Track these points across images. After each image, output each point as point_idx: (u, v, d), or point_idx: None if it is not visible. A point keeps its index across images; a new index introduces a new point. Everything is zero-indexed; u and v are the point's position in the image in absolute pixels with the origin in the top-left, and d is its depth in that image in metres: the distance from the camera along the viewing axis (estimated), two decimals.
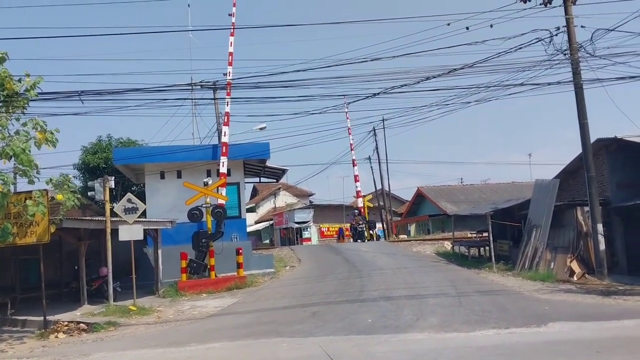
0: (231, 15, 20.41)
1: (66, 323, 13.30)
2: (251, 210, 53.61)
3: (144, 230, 16.65)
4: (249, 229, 41.24)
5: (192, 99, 19.42)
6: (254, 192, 61.28)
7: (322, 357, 8.30)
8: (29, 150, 10.81)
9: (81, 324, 13.18)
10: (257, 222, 53.72)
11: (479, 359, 7.92)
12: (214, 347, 9.69)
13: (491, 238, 19.25)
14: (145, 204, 19.51)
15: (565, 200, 18.68)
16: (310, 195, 58.15)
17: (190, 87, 17.97)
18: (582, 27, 16.91)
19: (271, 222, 50.71)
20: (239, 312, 13.92)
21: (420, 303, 13.17)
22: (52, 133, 11.82)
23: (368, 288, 15.91)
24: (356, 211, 34.84)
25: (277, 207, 54.00)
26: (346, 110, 30.94)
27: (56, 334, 12.60)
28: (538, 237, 17.83)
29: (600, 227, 16.32)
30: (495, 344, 8.84)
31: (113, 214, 15.79)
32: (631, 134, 17.14)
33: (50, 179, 12.15)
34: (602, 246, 16.28)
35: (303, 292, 16.22)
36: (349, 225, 36.71)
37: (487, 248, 20.52)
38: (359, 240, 30.41)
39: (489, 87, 18.38)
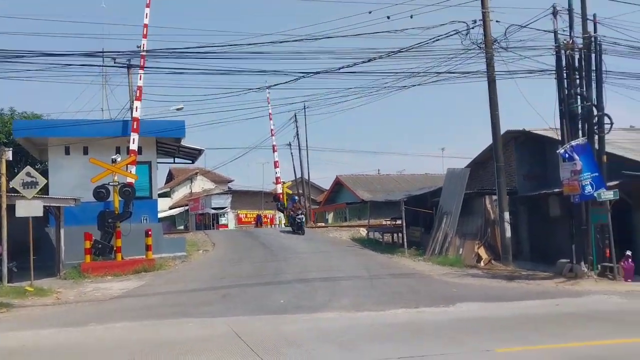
0: None
1: None
2: (166, 195, 51.89)
3: (45, 207, 15.52)
4: (162, 214, 39.84)
5: (102, 65, 18.30)
6: (170, 177, 59.38)
7: (229, 335, 8.00)
8: None
9: None
10: (171, 208, 52.11)
11: (386, 334, 7.91)
12: (114, 326, 9.14)
13: (404, 224, 19.61)
14: (48, 180, 18.29)
15: (475, 189, 19.33)
16: (229, 182, 57.14)
17: (101, 55, 16.91)
18: (497, 21, 17.40)
19: (186, 207, 49.38)
20: (145, 295, 13.27)
21: (334, 285, 13.16)
22: None
23: (283, 271, 15.72)
24: (296, 197, 30.08)
25: (194, 192, 52.64)
26: (267, 95, 30.52)
27: None
28: (448, 224, 18.35)
29: (507, 215, 16.97)
30: (404, 321, 8.92)
31: (11, 189, 14.60)
32: (538, 127, 17.93)
33: None
34: (508, 234, 16.95)
35: (215, 275, 15.77)
36: (286, 214, 31.87)
37: (400, 234, 20.91)
38: (299, 232, 24.96)
39: (407, 75, 18.63)
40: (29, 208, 14.27)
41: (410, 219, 20.86)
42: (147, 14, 19.00)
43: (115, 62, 24.03)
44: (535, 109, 17.50)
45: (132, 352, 7.12)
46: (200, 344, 7.48)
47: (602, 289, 12.45)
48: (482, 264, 17.00)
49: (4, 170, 14.47)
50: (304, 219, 26.30)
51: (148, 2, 19.21)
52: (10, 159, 14.79)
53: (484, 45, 17.30)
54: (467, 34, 17.63)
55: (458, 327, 8.23)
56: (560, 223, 15.97)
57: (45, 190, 16.95)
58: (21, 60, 12.37)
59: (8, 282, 14.36)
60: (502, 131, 17.69)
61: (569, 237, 14.61)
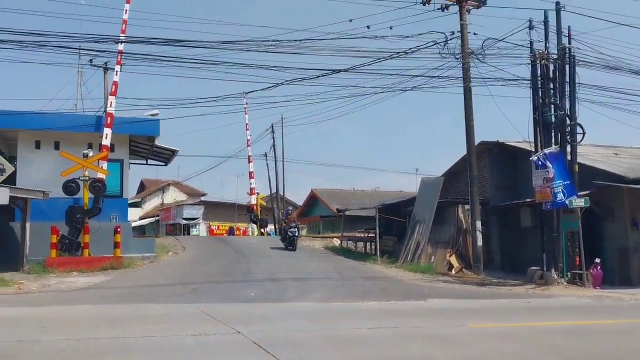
0: None
1: None
2: (136, 205, 51.02)
3: (12, 199, 15.06)
4: (132, 224, 39.12)
5: (78, 64, 18.02)
6: (141, 187, 58.50)
7: (198, 314, 7.82)
8: None
9: None
10: (142, 218, 51.23)
11: (357, 315, 7.84)
12: (78, 307, 8.85)
13: (377, 231, 19.59)
14: (16, 175, 17.80)
15: (448, 198, 19.46)
16: (202, 195, 56.47)
17: (77, 49, 16.65)
18: (474, 34, 17.73)
19: (157, 217, 48.64)
20: (112, 287, 12.91)
21: (304, 284, 13.03)
22: None
23: (253, 272, 15.50)
24: (289, 209, 25.96)
25: (165, 203, 51.93)
26: (245, 105, 30.41)
27: None
28: (421, 232, 18.39)
29: (479, 224, 17.10)
30: (376, 308, 8.84)
31: None
32: (512, 139, 18.22)
33: None
34: (480, 243, 17.05)
35: (184, 273, 15.45)
36: (278, 226, 28.94)
37: (373, 244, 20.87)
38: (290, 248, 21.33)
39: (387, 88, 18.78)
40: None
41: (384, 229, 20.84)
42: (126, 9, 18.86)
43: (91, 64, 23.90)
44: (508, 119, 17.78)
45: (97, 324, 6.89)
46: (170, 319, 7.29)
47: (572, 294, 12.62)
48: (453, 272, 17.05)
49: None
50: (297, 233, 22.21)
51: None
52: None
53: (460, 56, 17.63)
54: (445, 45, 17.97)
55: (431, 313, 8.21)
56: (531, 234, 16.16)
57: (12, 183, 16.51)
58: None
59: None
60: (477, 142, 17.92)
61: (539, 247, 14.77)
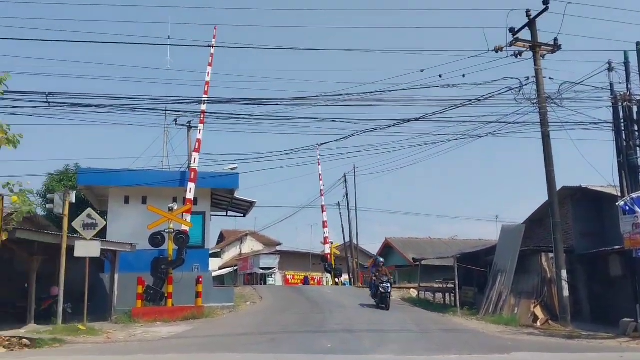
0: (211, 46, 20.62)
1: (7, 338, 12.45)
2: (216, 255, 52.48)
3: (102, 252, 16.01)
4: (212, 274, 40.26)
5: (164, 125, 19.19)
6: (220, 238, 60.26)
7: None
8: None
9: (24, 339, 12.30)
10: (221, 268, 52.51)
11: None
12: (162, 356, 9.17)
13: (457, 281, 19.07)
14: (106, 229, 18.93)
15: (530, 246, 18.74)
16: (277, 245, 57.37)
17: (163, 111, 17.81)
18: (550, 78, 17.43)
19: (235, 267, 49.68)
20: (194, 337, 13.30)
21: (381, 336, 12.83)
22: (14, 135, 11.44)
23: (329, 322, 15.46)
24: (380, 259, 21.69)
25: (243, 253, 53.07)
26: (318, 157, 31.00)
27: None
28: (503, 282, 17.74)
29: (564, 273, 16.29)
30: None
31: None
32: (595, 184, 17.47)
33: (8, 183, 11.62)
34: (566, 292, 16.19)
35: (262, 322, 15.66)
36: (369, 279, 24.67)
37: (452, 295, 20.31)
38: (382, 307, 18.47)
39: (460, 135, 18.66)
40: (88, 248, 14.82)
41: (463, 279, 20.28)
42: (208, 72, 20.08)
43: (176, 123, 25.38)
44: (590, 163, 17.11)
45: None
46: None
47: None
48: (538, 323, 16.23)
49: (66, 212, 15.17)
50: (389, 289, 18.89)
51: (210, 62, 20.36)
52: (74, 201, 15.49)
53: (537, 101, 17.32)
54: (520, 91, 17.75)
55: None
56: (622, 283, 15.23)
57: (103, 236, 17.58)
58: (88, 102, 13.14)
59: (62, 322, 14.72)
60: (558, 188, 17.31)
61: (632, 297, 13.87)
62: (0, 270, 16.50)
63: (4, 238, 12.35)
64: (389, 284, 19.00)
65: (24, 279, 17.02)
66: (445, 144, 19.16)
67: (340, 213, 40.76)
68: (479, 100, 18.28)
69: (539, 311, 16.68)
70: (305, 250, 46.01)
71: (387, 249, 43.73)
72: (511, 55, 18.60)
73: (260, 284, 42.01)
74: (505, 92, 17.90)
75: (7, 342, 12.20)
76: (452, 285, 20.02)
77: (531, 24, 17.57)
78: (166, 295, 17.72)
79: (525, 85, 17.72)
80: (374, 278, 19.87)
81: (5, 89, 11.67)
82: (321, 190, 34.64)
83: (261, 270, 42.64)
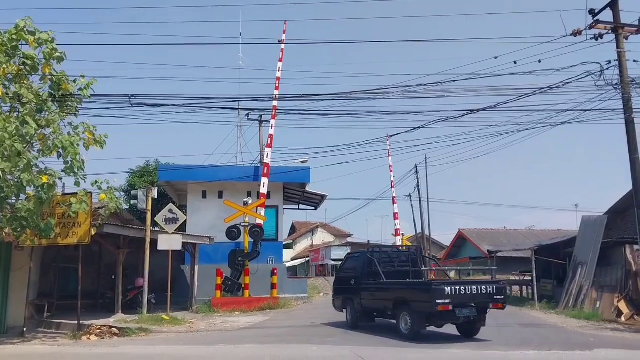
0: (281, 42, 20.96)
1: (99, 327, 13.36)
2: (289, 246, 53.50)
3: (183, 245, 16.73)
4: (286, 265, 41.17)
5: (237, 123, 19.77)
6: (292, 230, 61.31)
7: (351, 356, 8.05)
8: (77, 145, 11.14)
9: (113, 328, 13.20)
10: (293, 259, 53.50)
11: None
12: (242, 346, 9.57)
13: (534, 274, 18.55)
14: (186, 223, 19.78)
15: (613, 238, 17.92)
16: (348, 236, 57.71)
17: (237, 109, 18.34)
18: (635, 61, 16.53)
19: (307, 259, 50.43)
20: (271, 327, 13.73)
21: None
22: (100, 136, 12.18)
23: None
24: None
25: (314, 244, 53.76)
26: (388, 148, 30.84)
27: (88, 336, 12.66)
28: (584, 275, 17.09)
29: None
30: None
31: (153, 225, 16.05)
32: None
33: (96, 181, 12.39)
34: None
35: (335, 314, 15.88)
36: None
37: (529, 288, 19.75)
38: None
39: (534, 124, 18.03)
40: (170, 242, 15.54)
41: (541, 271, 19.70)
42: (279, 67, 20.44)
43: (248, 118, 26.00)
44: None
45: None
46: None
47: None
48: (623, 318, 15.52)
49: (149, 207, 15.97)
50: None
51: (281, 57, 20.71)
52: (156, 196, 16.29)
53: (620, 86, 16.48)
54: (600, 76, 16.95)
55: None
56: None
57: (183, 230, 18.38)
58: (168, 102, 13.72)
59: (147, 312, 15.56)
60: None
61: None
62: (90, 263, 17.59)
63: (93, 233, 13.24)
64: None
65: (111, 271, 18.12)
66: (521, 133, 18.56)
67: (411, 205, 40.43)
68: (558, 86, 17.62)
69: (623, 305, 15.95)
70: (376, 242, 45.96)
71: (461, 240, 42.98)
72: (591, 39, 17.76)
73: (332, 275, 42.47)
74: (585, 77, 17.18)
75: (98, 331, 13.11)
76: (530, 278, 19.48)
77: (613, 4, 16.69)
78: (243, 286, 18.33)
79: (607, 69, 16.94)
80: None
81: (92, 92, 12.47)
82: (392, 182, 34.40)
83: (332, 262, 43.05)
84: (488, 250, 27.62)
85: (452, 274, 46.40)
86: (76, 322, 13.40)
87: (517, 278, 23.87)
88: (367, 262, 12.72)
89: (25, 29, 11.05)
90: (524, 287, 21.13)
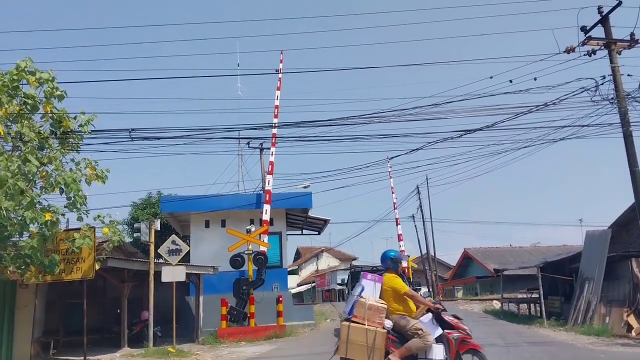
0: (278, 71, 21.22)
1: None
2: (294, 272, 53.25)
3: (187, 275, 16.72)
4: (291, 292, 40.93)
5: (238, 152, 19.87)
6: (297, 255, 61.10)
7: None
8: (79, 181, 11.18)
9: None
10: (299, 285, 53.21)
11: None
12: None
13: (541, 291, 18.43)
14: (189, 253, 19.76)
15: (618, 252, 17.85)
16: (353, 259, 57.47)
17: (237, 138, 18.45)
18: (628, 75, 16.68)
19: (313, 284, 50.14)
20: (278, 357, 13.62)
21: None
22: (102, 171, 12.25)
23: None
24: None
25: (320, 269, 53.50)
26: (389, 170, 30.93)
27: None
28: (591, 290, 16.99)
29: None
30: None
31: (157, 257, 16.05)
32: None
33: (98, 215, 12.42)
34: None
35: None
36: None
37: (537, 305, 19.61)
38: None
39: (532, 142, 18.12)
40: (174, 273, 15.50)
41: (548, 289, 19.58)
42: (277, 96, 20.65)
43: (249, 146, 26.17)
44: None
45: None
46: None
47: None
48: (633, 333, 15.38)
49: (153, 239, 15.99)
50: None
51: (279, 86, 20.93)
52: (159, 228, 16.31)
53: (616, 101, 16.60)
54: (596, 91, 17.09)
55: None
56: None
57: (187, 260, 18.35)
58: (167, 134, 13.83)
59: (153, 345, 15.46)
60: None
61: None
62: (94, 298, 17.55)
63: (97, 267, 13.24)
64: None
65: (116, 305, 18.06)
66: (520, 150, 18.62)
67: (415, 225, 40.37)
68: (554, 103, 17.76)
69: (632, 320, 15.82)
70: (381, 265, 45.78)
71: (466, 259, 42.85)
72: (584, 55, 17.96)
73: (339, 301, 42.17)
74: (581, 92, 17.32)
75: None
76: (537, 295, 19.36)
77: (604, 21, 16.93)
78: (249, 315, 18.22)
79: (602, 84, 17.09)
80: None
81: (93, 128, 12.57)
82: (394, 203, 34.40)
83: (338, 286, 42.79)
84: (494, 269, 27.51)
85: (459, 293, 46.20)
86: (82, 358, 13.34)
87: (525, 296, 23.74)
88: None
89: (26, 69, 11.19)
90: (532, 305, 20.97)
